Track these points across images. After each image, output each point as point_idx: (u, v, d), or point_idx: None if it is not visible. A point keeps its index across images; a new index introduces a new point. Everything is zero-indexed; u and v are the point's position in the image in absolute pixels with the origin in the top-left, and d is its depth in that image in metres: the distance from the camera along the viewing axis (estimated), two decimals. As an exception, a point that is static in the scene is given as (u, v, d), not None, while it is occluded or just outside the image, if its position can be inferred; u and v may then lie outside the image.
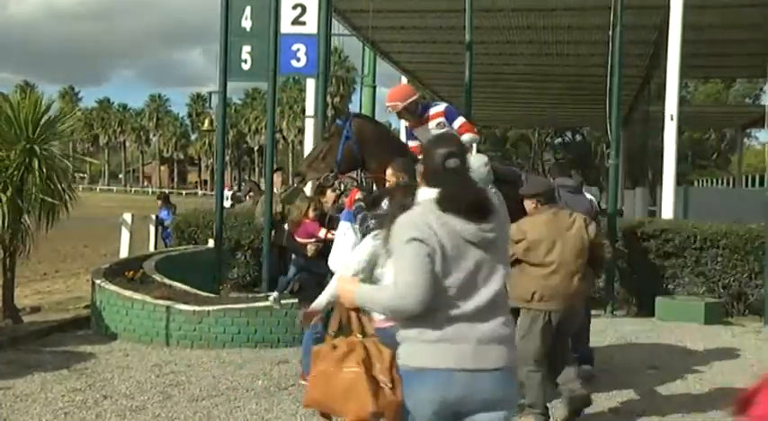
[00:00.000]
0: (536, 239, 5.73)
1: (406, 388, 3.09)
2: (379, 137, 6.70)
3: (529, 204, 5.97)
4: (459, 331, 2.96)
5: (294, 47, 9.78)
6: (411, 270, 2.91)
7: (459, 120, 7.24)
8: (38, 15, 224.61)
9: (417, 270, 2.90)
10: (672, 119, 12.78)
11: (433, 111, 7.28)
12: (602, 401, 6.53)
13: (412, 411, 3.06)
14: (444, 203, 2.99)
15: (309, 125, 14.57)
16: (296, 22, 9.76)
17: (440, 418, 2.98)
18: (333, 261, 5.54)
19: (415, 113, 7.15)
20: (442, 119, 7.23)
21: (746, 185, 34.40)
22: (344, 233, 5.52)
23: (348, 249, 5.26)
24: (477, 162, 6.36)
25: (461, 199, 3.00)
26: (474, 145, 7.41)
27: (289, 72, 10.04)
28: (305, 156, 6.76)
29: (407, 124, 7.39)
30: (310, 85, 14.64)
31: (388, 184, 5.78)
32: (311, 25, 9.72)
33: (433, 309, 2.94)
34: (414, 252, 2.92)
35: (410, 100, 7.15)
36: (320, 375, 3.51)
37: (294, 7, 9.81)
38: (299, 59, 9.78)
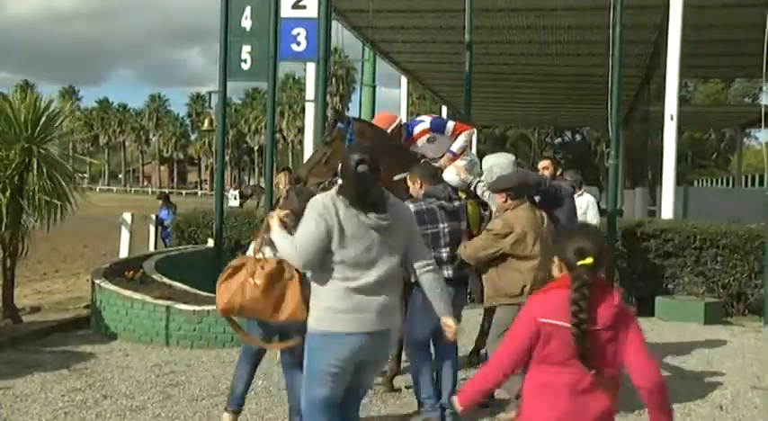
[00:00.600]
0: (522, 232, 5.75)
1: (316, 349, 3.88)
2: (381, 141, 6.68)
3: (498, 198, 6.03)
4: (361, 302, 3.81)
5: (294, 31, 9.74)
6: (307, 235, 3.82)
7: (450, 126, 7.30)
8: (37, 15, 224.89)
9: (311, 237, 3.80)
10: (672, 118, 12.79)
11: (416, 130, 7.32)
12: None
13: (318, 368, 3.89)
14: (347, 198, 3.86)
15: (310, 110, 14.47)
16: (296, 5, 9.71)
17: (344, 371, 3.88)
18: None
19: (401, 138, 7.23)
20: (429, 135, 7.27)
21: (746, 185, 34.39)
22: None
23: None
24: (506, 161, 6.44)
25: (360, 196, 3.85)
26: (473, 138, 7.44)
27: (289, 56, 9.94)
28: (305, 159, 6.67)
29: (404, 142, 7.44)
30: (310, 70, 14.54)
31: (411, 189, 6.06)
32: (311, 9, 9.67)
33: (337, 281, 3.81)
34: (314, 223, 3.81)
35: (392, 126, 7.18)
36: (240, 286, 4.50)
37: None
38: (299, 44, 9.74)
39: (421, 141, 7.27)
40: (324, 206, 3.82)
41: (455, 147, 7.16)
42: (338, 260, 3.81)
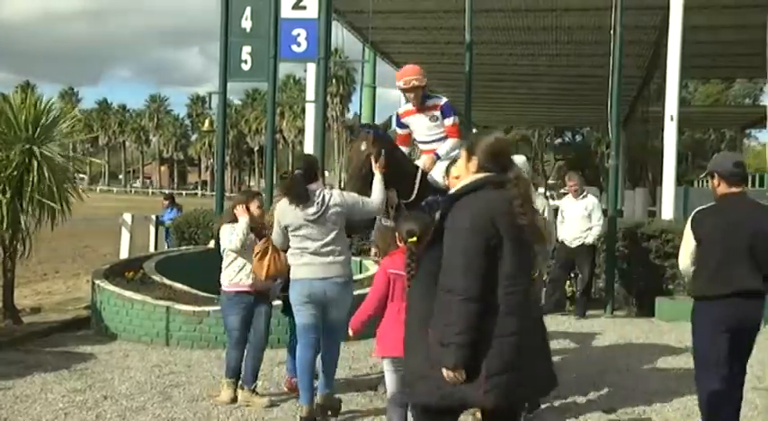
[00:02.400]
0: None
1: (291, 290, 5.89)
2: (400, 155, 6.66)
3: None
4: (311, 260, 5.75)
5: (294, 32, 9.72)
6: (276, 232, 5.96)
7: (451, 120, 7.21)
8: (36, 15, 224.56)
9: (277, 232, 5.94)
10: (672, 119, 12.79)
11: (431, 102, 7.25)
12: (602, 401, 6.54)
13: (293, 302, 5.86)
14: (286, 197, 5.86)
15: (310, 111, 14.42)
16: (296, 6, 9.70)
17: (314, 306, 5.77)
18: None
19: (422, 97, 7.18)
20: (437, 112, 7.22)
21: (747, 186, 34.36)
22: None
23: None
24: (520, 161, 6.44)
25: (291, 196, 5.80)
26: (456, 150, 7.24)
27: (289, 57, 9.92)
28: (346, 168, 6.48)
29: (401, 110, 7.41)
30: (310, 70, 14.50)
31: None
32: (312, 10, 9.65)
33: (296, 250, 5.81)
34: (277, 222, 5.92)
35: (425, 82, 7.18)
36: (272, 261, 6.18)
37: None
38: (299, 44, 9.73)
39: (427, 115, 7.19)
40: (280, 209, 5.90)
41: (442, 151, 6.97)
42: (293, 238, 5.83)
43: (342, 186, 6.36)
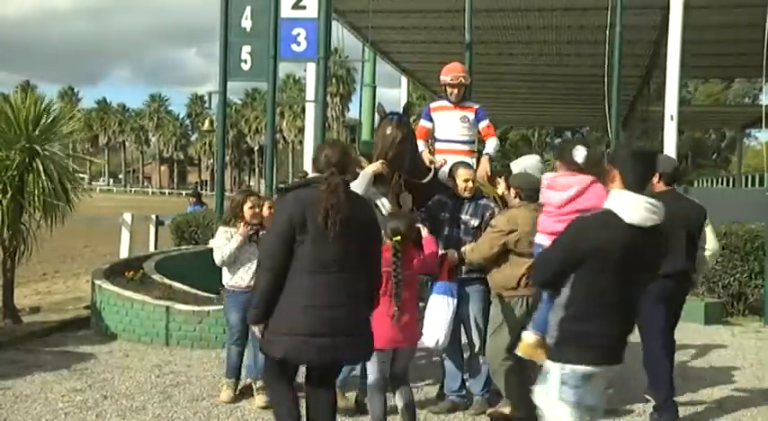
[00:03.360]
0: (524, 231, 5.74)
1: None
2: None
3: (510, 193, 6.11)
4: None
5: (294, 31, 9.71)
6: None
7: (485, 122, 7.37)
8: (35, 15, 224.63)
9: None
10: (672, 119, 12.79)
11: (468, 103, 7.41)
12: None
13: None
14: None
15: (310, 110, 14.38)
16: (296, 6, 9.69)
17: None
18: (429, 335, 5.83)
19: (462, 95, 7.31)
20: (470, 114, 7.31)
21: (746, 185, 34.35)
22: (440, 305, 5.86)
23: (445, 322, 5.80)
24: (533, 160, 6.51)
25: None
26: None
27: (289, 57, 9.90)
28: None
29: (434, 104, 7.53)
30: (310, 70, 14.47)
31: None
32: (311, 9, 9.64)
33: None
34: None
35: (470, 80, 7.42)
36: None
37: None
38: (299, 44, 9.71)
39: (459, 114, 7.28)
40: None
41: (491, 150, 7.28)
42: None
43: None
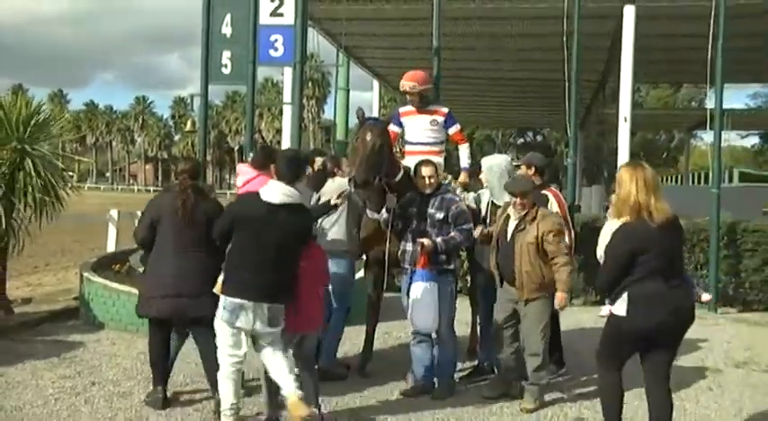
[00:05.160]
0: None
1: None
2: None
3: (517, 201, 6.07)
4: None
5: (272, 37, 9.69)
6: None
7: (454, 128, 7.40)
8: (25, 20, 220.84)
9: None
10: (625, 120, 12.93)
11: (433, 107, 7.42)
12: (595, 399, 6.58)
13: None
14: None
15: (287, 112, 14.30)
16: (274, 13, 9.68)
17: None
18: (419, 319, 6.06)
19: (423, 101, 7.27)
20: (440, 118, 7.34)
21: (693, 183, 34.82)
22: (424, 292, 5.96)
23: (433, 306, 5.95)
24: (503, 160, 6.70)
25: None
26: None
27: (267, 61, 9.89)
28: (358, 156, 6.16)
29: (402, 109, 7.51)
30: (287, 74, 14.41)
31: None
32: (288, 16, 9.64)
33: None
34: None
35: (427, 87, 7.39)
36: None
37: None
38: (276, 49, 9.69)
39: (428, 119, 7.31)
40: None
41: (465, 157, 7.46)
42: None
43: (349, 175, 6.31)
